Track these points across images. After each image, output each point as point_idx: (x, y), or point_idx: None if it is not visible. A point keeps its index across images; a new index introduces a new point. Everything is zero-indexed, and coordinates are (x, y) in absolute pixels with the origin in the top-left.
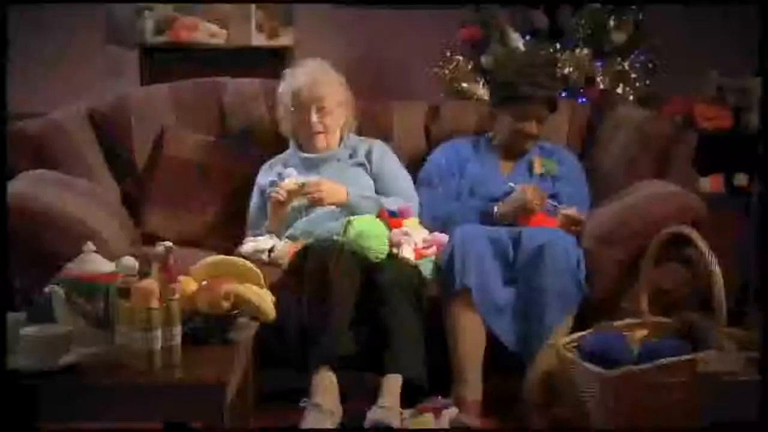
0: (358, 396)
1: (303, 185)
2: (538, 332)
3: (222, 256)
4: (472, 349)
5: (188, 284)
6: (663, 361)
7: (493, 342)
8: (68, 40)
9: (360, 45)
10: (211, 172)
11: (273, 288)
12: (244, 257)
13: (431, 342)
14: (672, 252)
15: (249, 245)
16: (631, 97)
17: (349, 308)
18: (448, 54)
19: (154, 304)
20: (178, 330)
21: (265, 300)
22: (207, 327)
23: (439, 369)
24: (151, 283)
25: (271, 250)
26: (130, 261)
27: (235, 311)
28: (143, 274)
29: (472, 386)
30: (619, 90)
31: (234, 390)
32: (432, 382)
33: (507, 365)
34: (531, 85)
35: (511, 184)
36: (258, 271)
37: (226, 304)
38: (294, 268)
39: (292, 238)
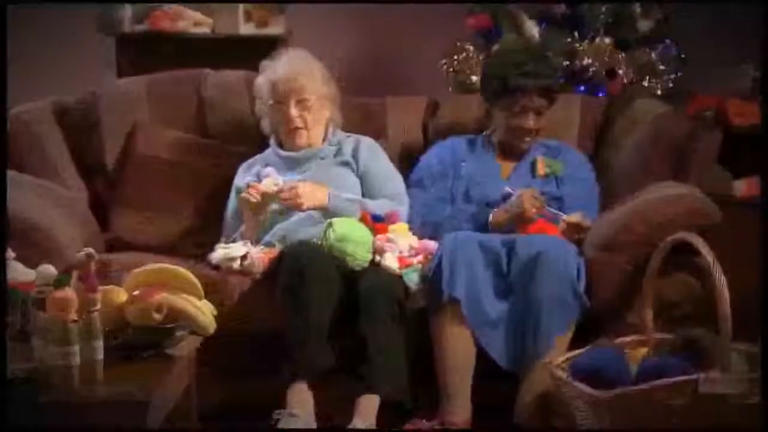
0: (335, 414)
1: (281, 189)
2: (532, 348)
3: (158, 264)
4: (460, 366)
5: (117, 294)
6: (661, 381)
7: (483, 358)
8: (62, 31)
9: (359, 34)
10: (188, 172)
11: (247, 297)
12: (215, 266)
13: (418, 358)
14: (681, 261)
15: (220, 252)
16: (659, 91)
17: (328, 319)
18: (457, 44)
19: (72, 316)
20: (99, 344)
21: (203, 312)
22: (139, 340)
23: (426, 387)
24: (69, 294)
25: (244, 258)
26: (48, 269)
27: (170, 324)
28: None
29: (461, 406)
30: (645, 83)
31: (171, 406)
32: (418, 401)
33: (498, 383)
34: (522, 76)
35: (508, 189)
36: (197, 281)
37: (157, 316)
38: (270, 277)
39: (269, 244)
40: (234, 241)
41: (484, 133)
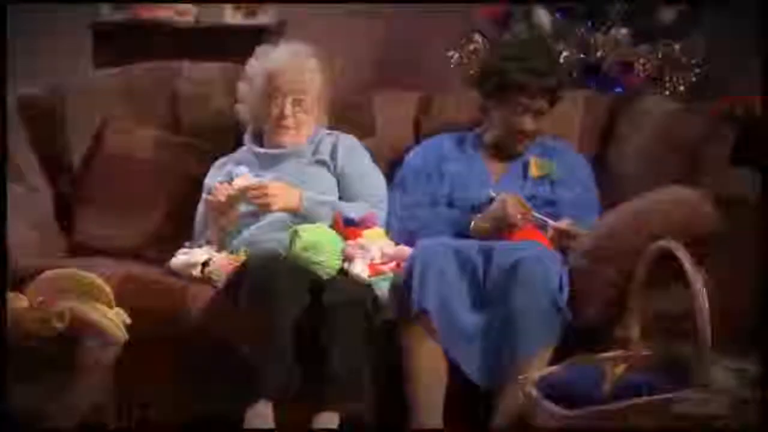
0: None
1: (248, 187)
2: (509, 364)
3: (64, 269)
4: (430, 383)
5: (16, 301)
6: (633, 400)
7: (456, 375)
8: (38, 19)
9: (359, 26)
10: (159, 172)
11: (206, 308)
12: (174, 272)
13: (389, 372)
14: (675, 271)
15: (180, 258)
16: (682, 87)
17: (291, 333)
18: (467, 34)
19: None
20: None
21: (112, 321)
22: (43, 351)
23: (396, 403)
24: None
25: (206, 264)
26: None
27: (77, 333)
28: None
29: (431, 424)
30: (667, 78)
31: (75, 421)
32: (387, 419)
33: (472, 402)
34: (523, 72)
35: (492, 193)
36: (107, 287)
37: (59, 325)
38: (231, 286)
39: (236, 250)
40: (200, 247)
41: (475, 131)
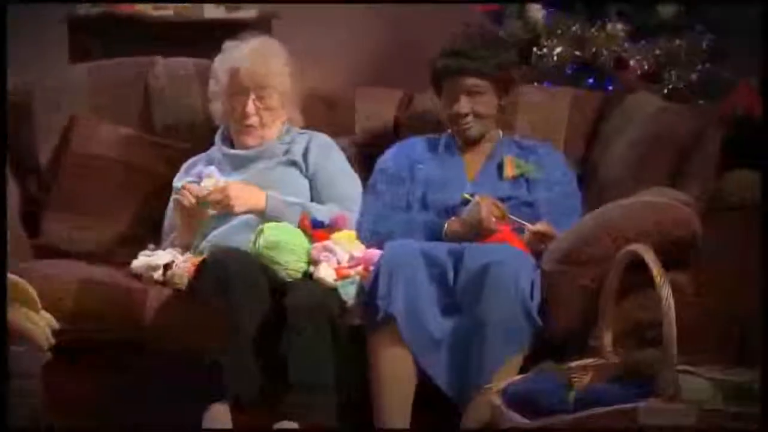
0: None
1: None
2: (477, 372)
3: None
4: (398, 391)
5: None
6: (594, 411)
7: (425, 383)
8: (30, 16)
9: (347, 20)
10: (129, 172)
11: (166, 311)
12: (135, 274)
13: (356, 379)
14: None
15: (141, 260)
16: (681, 85)
17: (252, 336)
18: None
19: None
20: None
21: (37, 325)
22: None
23: (363, 411)
24: None
25: (168, 267)
26: None
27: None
28: None
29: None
30: (666, 75)
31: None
32: (353, 426)
33: (441, 411)
34: (449, 56)
35: (466, 195)
36: (33, 291)
37: None
38: (194, 288)
39: (200, 253)
40: (164, 249)
41: (448, 132)
